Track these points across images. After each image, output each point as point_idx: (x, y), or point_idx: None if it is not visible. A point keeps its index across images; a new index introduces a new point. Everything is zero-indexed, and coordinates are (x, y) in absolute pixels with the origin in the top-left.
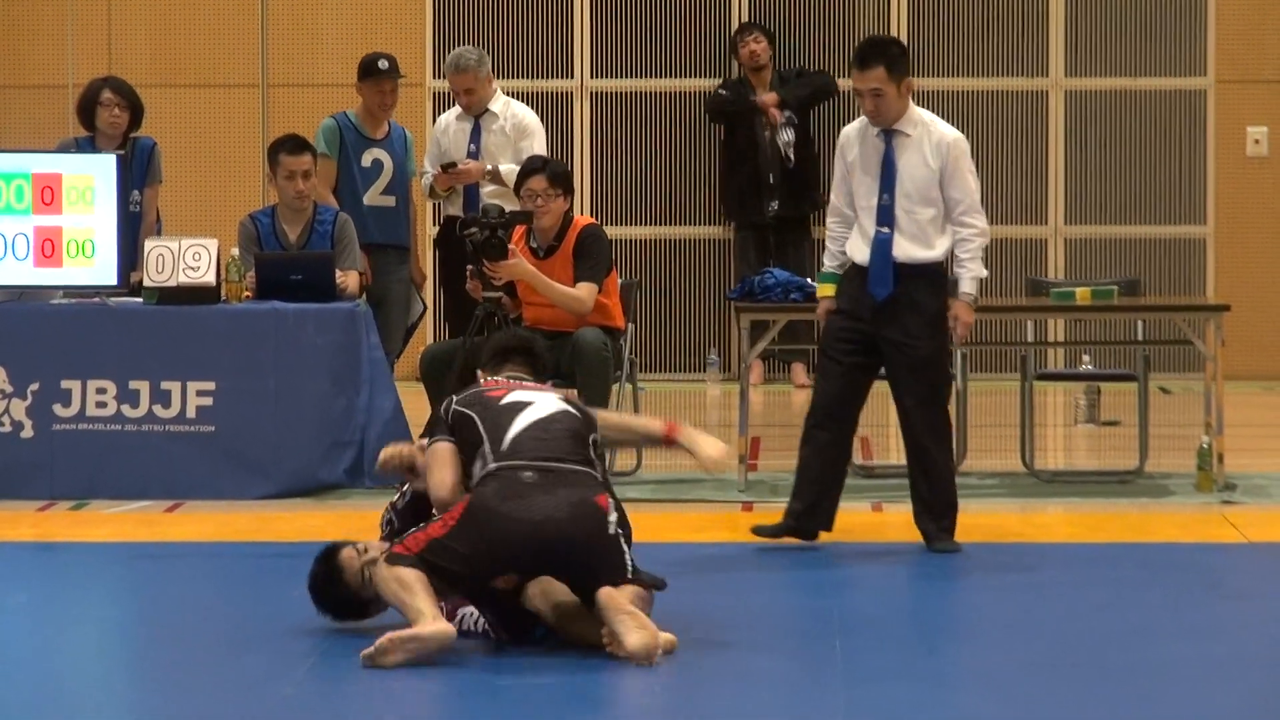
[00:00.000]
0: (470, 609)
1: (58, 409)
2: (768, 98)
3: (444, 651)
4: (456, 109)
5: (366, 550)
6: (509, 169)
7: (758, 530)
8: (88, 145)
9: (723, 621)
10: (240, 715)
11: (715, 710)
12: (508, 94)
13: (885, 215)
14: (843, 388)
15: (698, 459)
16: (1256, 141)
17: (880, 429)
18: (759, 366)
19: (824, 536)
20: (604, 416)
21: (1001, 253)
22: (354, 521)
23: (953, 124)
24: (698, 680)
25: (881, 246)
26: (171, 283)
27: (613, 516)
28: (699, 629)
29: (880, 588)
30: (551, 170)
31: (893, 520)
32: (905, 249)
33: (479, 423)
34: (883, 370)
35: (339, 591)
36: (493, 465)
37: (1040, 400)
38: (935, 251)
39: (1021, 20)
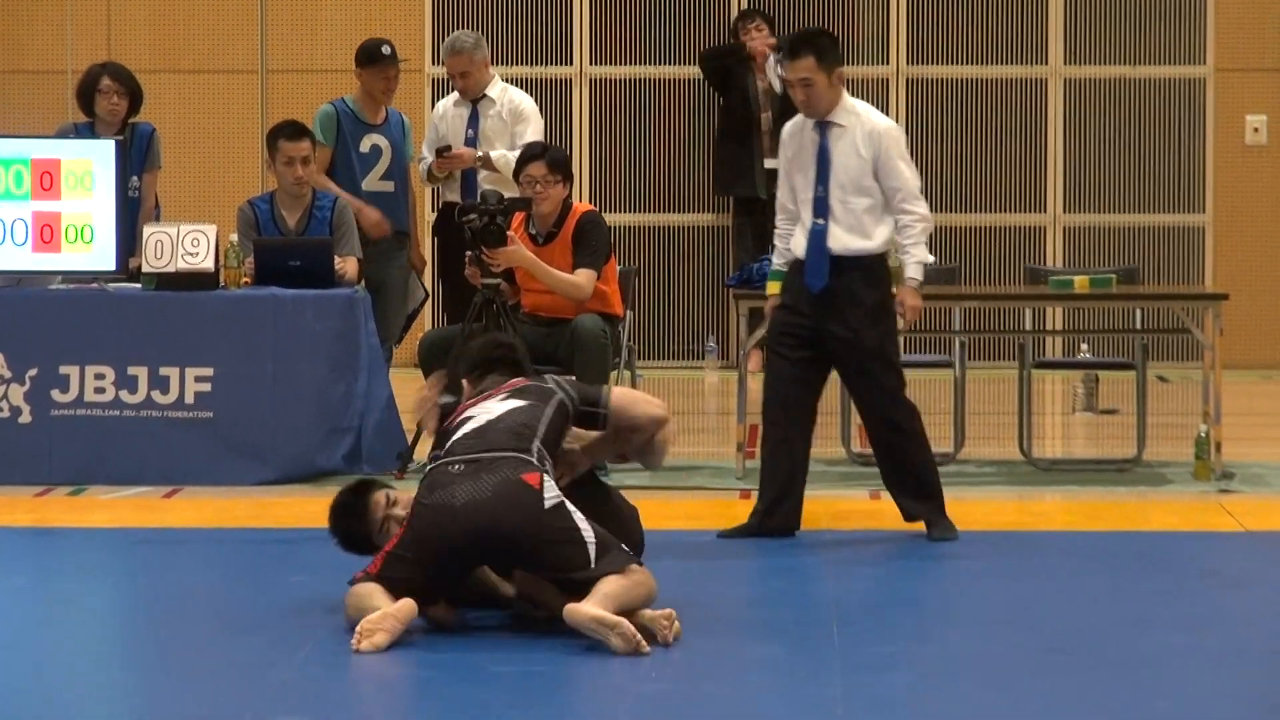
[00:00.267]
0: None
1: (56, 394)
2: (759, 43)
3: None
4: (455, 95)
5: (395, 503)
6: (500, 154)
7: (723, 534)
8: (87, 131)
9: (720, 609)
10: (237, 700)
11: (712, 698)
12: (506, 81)
13: (820, 207)
14: (792, 383)
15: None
16: (1255, 130)
17: None
18: (757, 354)
19: (821, 524)
20: (616, 394)
21: (1000, 241)
22: None
23: (952, 112)
24: (694, 667)
25: (816, 238)
26: (170, 268)
27: (549, 493)
28: (696, 616)
29: (877, 575)
30: (551, 157)
31: (890, 508)
32: (841, 240)
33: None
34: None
35: (354, 526)
36: (428, 467)
37: (1038, 388)
38: (873, 242)
39: (1020, 8)
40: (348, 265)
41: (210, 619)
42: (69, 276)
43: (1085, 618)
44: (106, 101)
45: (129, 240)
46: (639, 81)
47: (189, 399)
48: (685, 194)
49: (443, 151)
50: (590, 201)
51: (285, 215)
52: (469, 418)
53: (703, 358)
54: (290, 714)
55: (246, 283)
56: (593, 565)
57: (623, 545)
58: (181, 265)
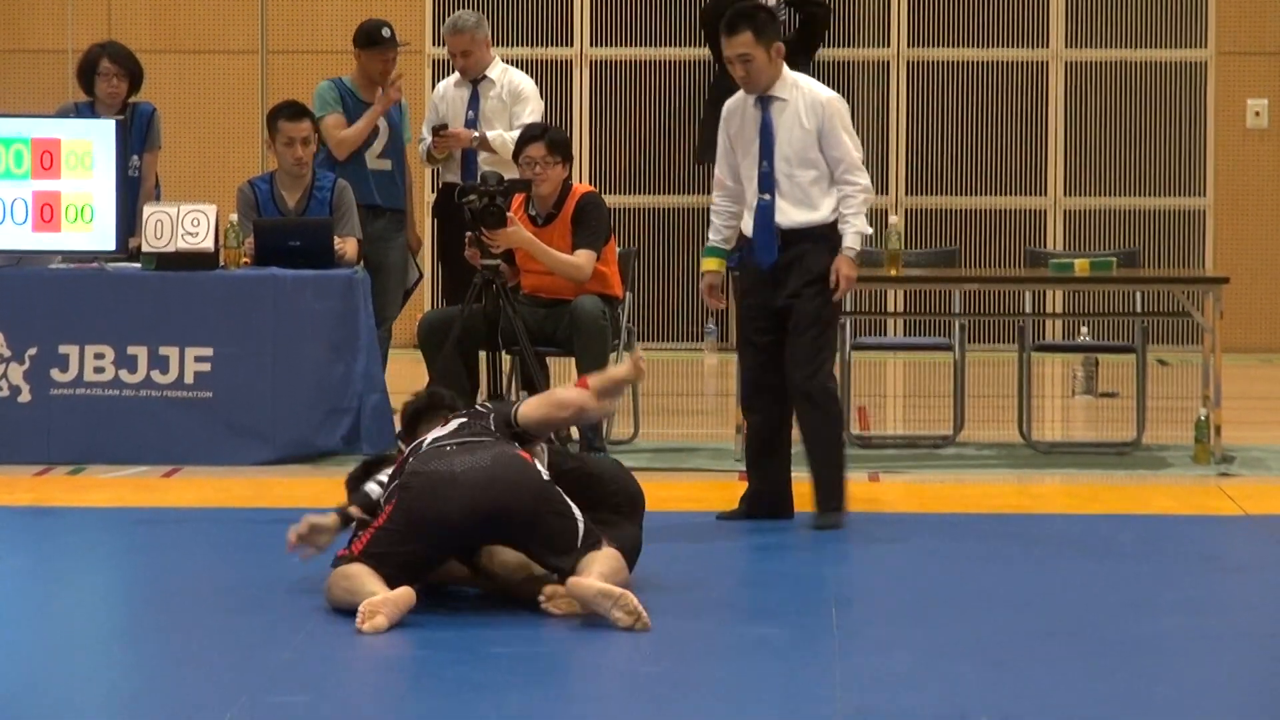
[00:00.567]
0: None
1: (55, 374)
2: None
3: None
4: (454, 75)
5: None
6: (497, 135)
7: (722, 516)
8: (87, 110)
9: (718, 590)
10: (237, 680)
11: (709, 679)
12: (507, 62)
13: (766, 182)
14: (761, 366)
15: (617, 380)
16: (1257, 114)
17: (877, 399)
18: None
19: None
20: (524, 407)
21: (1000, 224)
22: None
23: (953, 95)
24: (693, 648)
25: (763, 213)
26: (170, 248)
27: (544, 472)
28: (694, 598)
29: (876, 558)
30: (550, 138)
31: (889, 490)
32: (788, 214)
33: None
34: None
35: (363, 491)
36: (412, 461)
37: (1038, 371)
38: (820, 213)
39: None
40: (347, 246)
41: (209, 598)
42: (69, 256)
43: (1084, 601)
44: (106, 84)
45: (129, 220)
46: (639, 63)
47: (188, 379)
48: (685, 176)
49: (439, 130)
50: (590, 183)
51: (285, 196)
52: (421, 442)
53: (702, 339)
54: (289, 693)
55: (246, 263)
56: (578, 546)
57: (605, 537)
58: (181, 245)
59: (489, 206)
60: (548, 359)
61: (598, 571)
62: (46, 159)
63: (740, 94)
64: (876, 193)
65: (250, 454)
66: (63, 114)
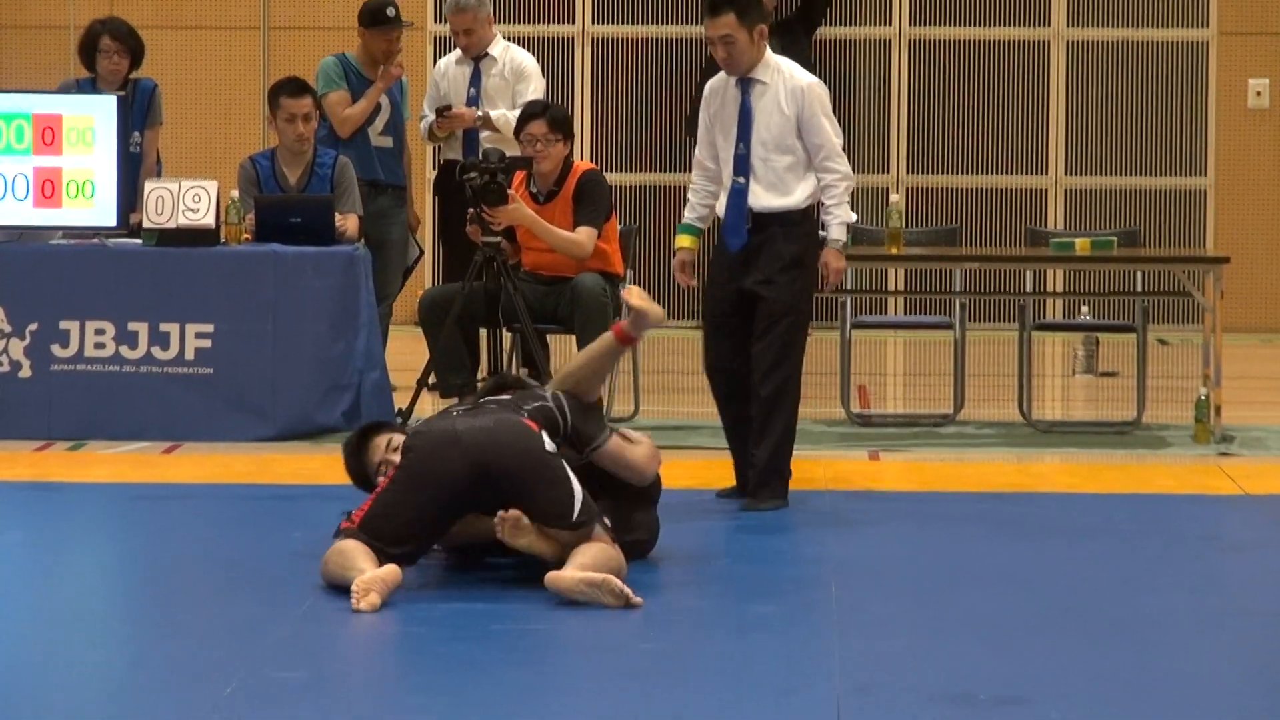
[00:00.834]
0: None
1: (56, 349)
2: None
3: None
4: (456, 53)
5: (397, 449)
6: (500, 114)
7: (721, 494)
8: (89, 86)
9: (718, 568)
10: (236, 656)
11: (709, 657)
12: (509, 40)
13: (742, 165)
14: (724, 347)
15: (646, 315)
16: (1258, 94)
17: (878, 377)
18: None
19: (821, 485)
20: (571, 366)
21: (1001, 203)
22: None
23: (955, 74)
24: (692, 626)
25: (736, 197)
26: (171, 224)
27: (548, 444)
28: (693, 575)
29: (876, 536)
30: (552, 115)
31: (889, 469)
32: (761, 198)
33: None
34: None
35: (353, 465)
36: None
37: (1038, 350)
38: (793, 199)
39: None
40: (348, 222)
41: (209, 574)
42: (70, 232)
43: (1083, 579)
44: (107, 61)
45: (130, 196)
46: (641, 41)
47: (189, 355)
48: (686, 153)
49: (443, 111)
50: (591, 160)
51: (286, 172)
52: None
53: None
54: (288, 669)
55: (247, 239)
56: (573, 518)
57: (605, 520)
58: (182, 221)
59: (490, 184)
60: (548, 336)
61: (579, 563)
62: (48, 135)
63: (721, 75)
64: (878, 172)
65: (250, 430)
66: (64, 90)
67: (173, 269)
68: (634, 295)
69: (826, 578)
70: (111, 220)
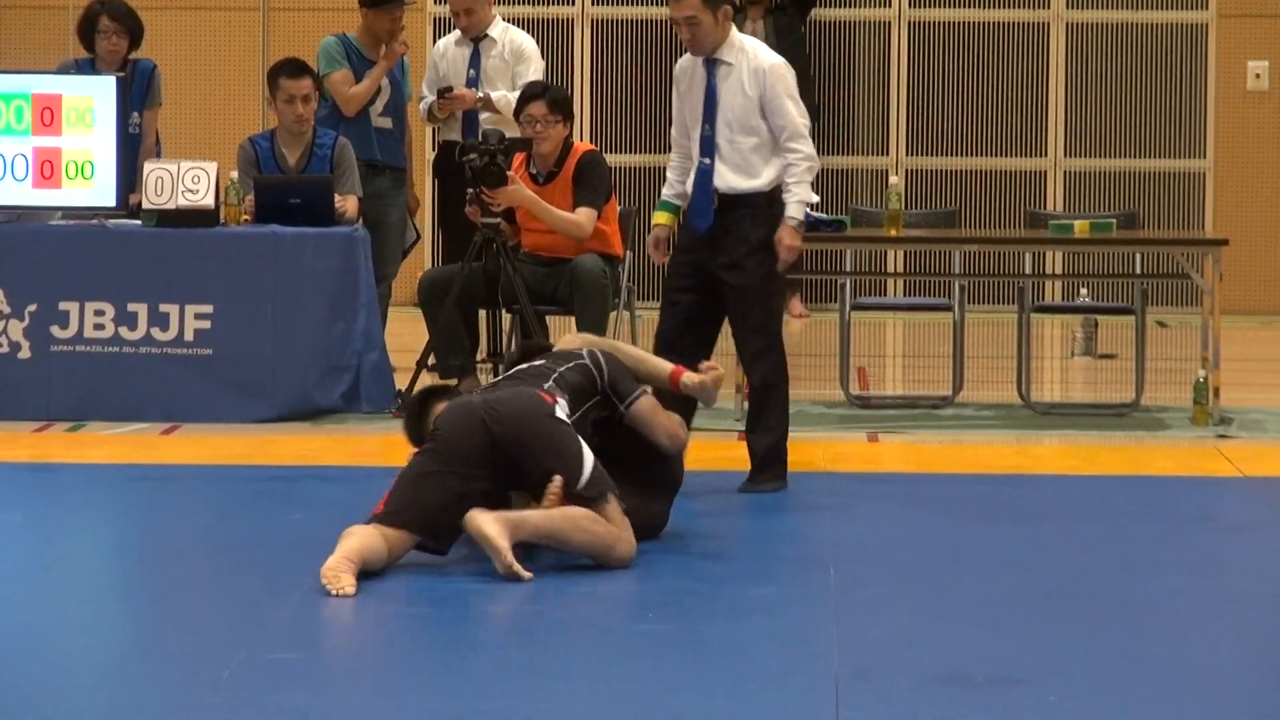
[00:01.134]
0: None
1: (55, 330)
2: None
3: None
4: (455, 34)
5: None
6: (500, 95)
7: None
8: (88, 67)
9: (717, 550)
10: (236, 637)
11: (707, 638)
12: (508, 21)
13: (707, 146)
14: (678, 325)
15: (707, 395)
16: (1257, 76)
17: (877, 359)
18: None
19: (819, 466)
20: (623, 349)
21: (1000, 185)
22: (350, 445)
23: (954, 55)
24: (690, 608)
25: (702, 177)
26: (170, 205)
27: (560, 412)
28: (692, 557)
29: (874, 518)
30: (551, 96)
31: (888, 450)
32: (727, 179)
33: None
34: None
35: (411, 427)
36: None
37: (1037, 332)
38: (759, 180)
39: None
40: (348, 203)
41: (208, 555)
42: (69, 212)
43: (1082, 561)
44: (106, 42)
45: (129, 177)
46: (640, 22)
47: (188, 336)
48: None
49: (444, 93)
50: (591, 142)
51: (286, 153)
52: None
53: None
54: (286, 650)
55: (247, 220)
56: (580, 485)
57: (615, 492)
58: (182, 202)
59: (490, 165)
60: (548, 317)
61: (533, 523)
62: (47, 115)
63: (689, 55)
64: (877, 153)
65: (249, 411)
66: (63, 70)
67: (172, 250)
68: (712, 377)
69: (825, 559)
70: (111, 201)
